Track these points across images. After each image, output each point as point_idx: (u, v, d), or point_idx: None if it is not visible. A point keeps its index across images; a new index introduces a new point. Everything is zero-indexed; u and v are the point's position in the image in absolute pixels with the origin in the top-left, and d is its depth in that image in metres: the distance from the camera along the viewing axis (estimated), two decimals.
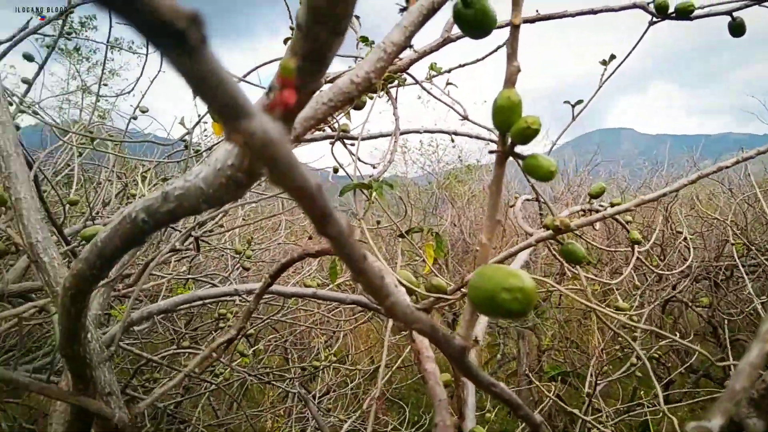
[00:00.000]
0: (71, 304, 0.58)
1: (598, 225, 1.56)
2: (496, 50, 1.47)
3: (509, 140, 0.42)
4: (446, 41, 1.10)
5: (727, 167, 0.90)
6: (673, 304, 5.37)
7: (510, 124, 0.42)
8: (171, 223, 0.51)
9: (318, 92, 0.44)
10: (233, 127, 0.19)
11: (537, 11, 1.26)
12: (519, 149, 0.44)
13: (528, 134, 0.40)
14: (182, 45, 0.15)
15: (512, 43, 0.43)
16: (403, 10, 0.46)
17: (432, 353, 0.51)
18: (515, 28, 0.43)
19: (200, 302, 1.24)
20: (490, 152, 0.43)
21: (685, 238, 2.30)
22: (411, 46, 1.12)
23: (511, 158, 0.44)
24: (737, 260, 2.80)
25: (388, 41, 0.44)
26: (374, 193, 0.98)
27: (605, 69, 1.28)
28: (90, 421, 0.72)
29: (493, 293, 0.39)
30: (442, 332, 0.41)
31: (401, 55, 1.21)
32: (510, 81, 0.43)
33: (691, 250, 2.03)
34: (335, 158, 1.16)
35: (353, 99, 0.44)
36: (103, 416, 0.67)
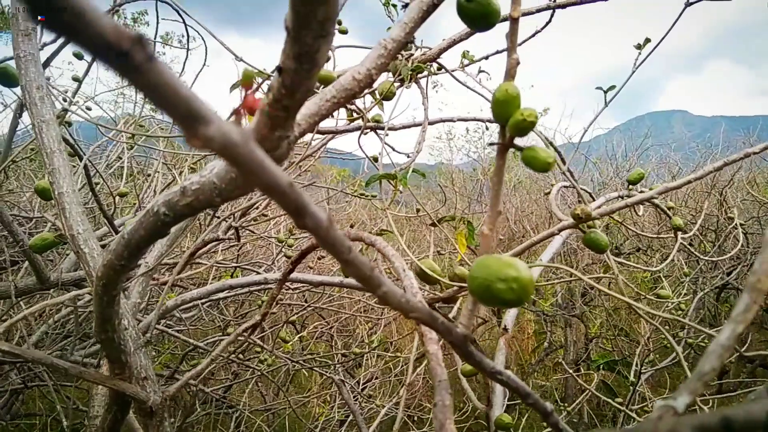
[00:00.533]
0: (103, 292, 0.62)
1: (642, 211, 1.53)
2: (533, 35, 1.45)
3: (508, 133, 0.43)
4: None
5: (755, 153, 0.87)
6: (729, 291, 5.21)
7: (508, 117, 0.42)
8: (190, 215, 0.54)
9: (322, 90, 0.46)
10: (192, 133, 0.20)
11: None
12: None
13: (524, 127, 0.41)
14: (128, 64, 0.17)
15: (511, 37, 0.43)
16: (405, 6, 0.47)
17: (435, 335, 0.52)
18: (514, 22, 0.43)
19: (232, 290, 1.28)
20: (489, 144, 0.43)
21: (736, 225, 2.22)
22: (413, 41, 1.13)
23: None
24: None
25: (389, 38, 0.45)
26: (400, 184, 0.99)
27: (639, 53, 1.25)
28: (128, 403, 0.77)
29: (489, 283, 0.40)
30: (441, 320, 0.42)
31: (431, 45, 1.21)
32: (510, 74, 0.44)
33: (745, 236, 1.96)
34: (362, 149, 1.18)
35: (356, 95, 0.45)
36: (138, 399, 0.71)
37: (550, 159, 0.42)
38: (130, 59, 0.17)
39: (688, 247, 1.85)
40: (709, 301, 5.03)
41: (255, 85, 0.23)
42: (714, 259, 2.06)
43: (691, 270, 3.75)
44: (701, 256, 1.86)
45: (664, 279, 2.20)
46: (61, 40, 1.54)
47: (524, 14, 1.20)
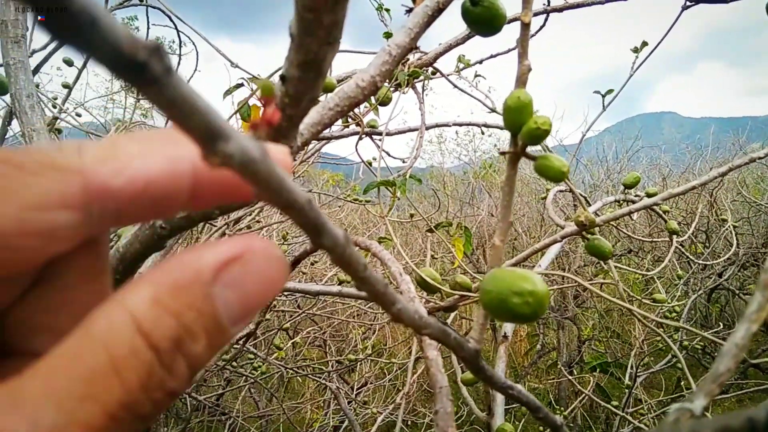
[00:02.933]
0: None
1: (636, 214, 1.53)
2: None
3: (520, 141, 0.42)
4: (472, 34, 1.09)
5: (760, 158, 0.87)
6: (720, 292, 5.23)
7: (520, 125, 0.41)
8: (187, 228, 0.52)
9: (324, 98, 0.44)
10: (210, 151, 0.19)
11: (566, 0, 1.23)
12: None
13: (537, 135, 0.40)
14: (145, 76, 0.16)
15: (522, 42, 0.42)
16: (408, 11, 0.46)
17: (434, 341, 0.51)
18: (525, 27, 0.42)
19: None
20: (501, 153, 0.42)
21: (729, 227, 2.23)
22: (417, 48, 1.12)
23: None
24: None
25: (393, 44, 0.44)
26: (398, 190, 0.98)
27: (636, 57, 1.24)
28: None
29: (504, 297, 0.38)
30: (454, 336, 0.40)
31: (427, 50, 1.20)
32: (521, 80, 0.42)
33: (738, 237, 1.97)
34: (359, 155, 1.17)
35: (359, 103, 0.44)
36: None
37: (564, 168, 0.41)
38: (147, 72, 0.15)
39: (680, 248, 1.85)
40: (700, 302, 5.06)
41: (275, 98, 0.22)
42: (708, 262, 2.06)
43: (684, 272, 3.77)
44: (694, 259, 1.86)
45: (657, 281, 2.20)
46: (51, 47, 1.52)
47: (554, 11, 1.20)
